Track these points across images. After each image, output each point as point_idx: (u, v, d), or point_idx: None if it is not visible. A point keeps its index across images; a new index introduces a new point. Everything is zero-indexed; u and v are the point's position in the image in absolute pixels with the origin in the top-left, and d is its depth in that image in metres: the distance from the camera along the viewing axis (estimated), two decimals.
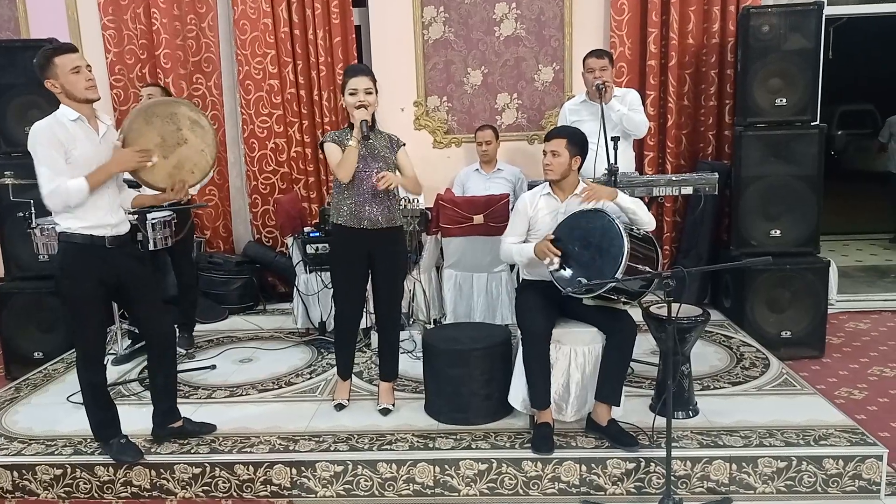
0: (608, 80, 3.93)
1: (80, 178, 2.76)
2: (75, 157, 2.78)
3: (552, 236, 3.03)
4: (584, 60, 4.07)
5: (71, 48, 2.85)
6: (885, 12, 5.25)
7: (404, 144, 3.35)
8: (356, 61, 5.21)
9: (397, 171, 3.28)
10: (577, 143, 3.17)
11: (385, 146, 3.27)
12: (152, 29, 5.16)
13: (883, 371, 4.12)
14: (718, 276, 4.79)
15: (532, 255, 3.11)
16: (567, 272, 2.98)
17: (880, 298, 5.42)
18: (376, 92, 3.20)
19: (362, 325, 4.17)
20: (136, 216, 3.65)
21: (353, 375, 3.67)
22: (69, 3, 5.25)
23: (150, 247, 3.85)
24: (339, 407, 3.43)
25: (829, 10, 4.92)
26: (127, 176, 3.06)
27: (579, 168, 3.22)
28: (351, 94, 3.14)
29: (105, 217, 2.89)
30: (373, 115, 3.24)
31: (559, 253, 2.98)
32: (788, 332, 4.27)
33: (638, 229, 3.10)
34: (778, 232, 4.33)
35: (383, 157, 3.22)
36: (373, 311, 3.80)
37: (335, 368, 3.58)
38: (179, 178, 2.96)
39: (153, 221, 3.86)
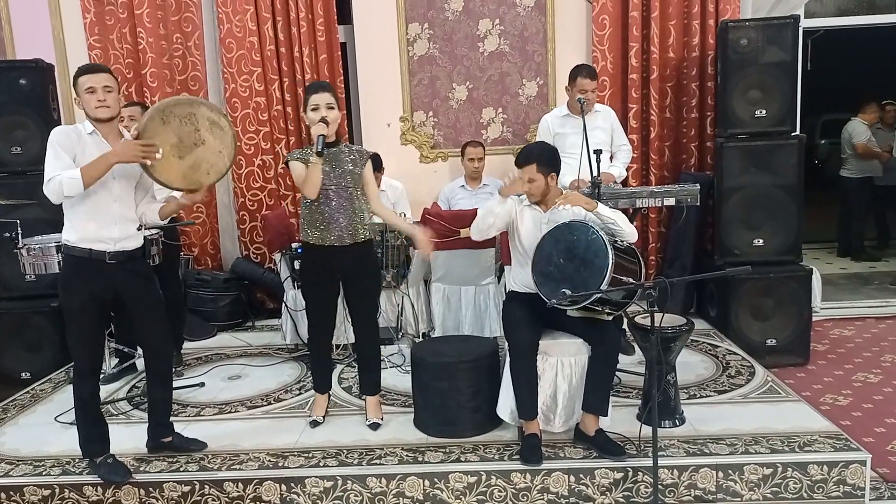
0: (593, 97, 4.09)
1: (75, 169, 2.77)
2: (80, 164, 2.81)
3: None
4: (573, 77, 4.08)
5: (92, 69, 2.90)
6: (859, 24, 5.38)
7: (371, 156, 3.35)
8: (342, 78, 5.26)
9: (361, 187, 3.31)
10: (547, 161, 3.18)
11: (350, 160, 3.26)
12: (138, 48, 5.18)
13: (867, 377, 4.17)
14: (704, 285, 4.84)
15: (500, 197, 3.17)
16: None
17: (864, 305, 5.49)
18: (338, 108, 3.22)
19: (352, 339, 4.20)
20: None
21: (339, 391, 3.74)
22: (55, 23, 5.27)
23: None
24: (314, 424, 3.42)
25: (806, 23, 5.03)
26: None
27: (557, 180, 3.26)
28: (313, 109, 3.15)
29: (105, 230, 2.90)
30: (338, 131, 3.26)
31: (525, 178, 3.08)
32: (773, 340, 4.32)
33: (621, 241, 3.14)
34: (761, 241, 4.39)
35: (349, 172, 3.23)
36: None
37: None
38: (195, 178, 2.94)
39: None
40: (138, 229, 3.05)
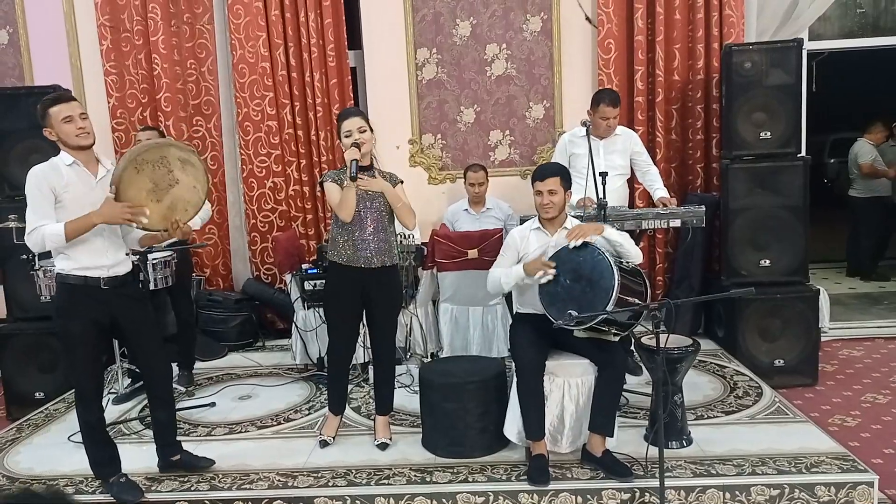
0: (614, 124, 4.13)
1: (59, 224, 2.81)
2: (67, 200, 2.87)
3: (552, 264, 3.09)
4: (596, 102, 4.10)
5: (64, 98, 2.92)
6: (862, 46, 5.44)
7: (402, 182, 3.42)
8: (352, 102, 5.35)
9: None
10: (567, 177, 3.28)
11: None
12: (153, 74, 5.30)
13: (876, 398, 4.15)
14: (711, 306, 4.85)
15: (521, 273, 3.17)
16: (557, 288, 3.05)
17: (873, 325, 5.46)
18: (371, 130, 3.29)
19: (361, 360, 4.25)
20: (137, 256, 3.72)
21: (348, 411, 3.77)
22: (72, 50, 5.41)
23: (151, 286, 3.93)
24: (324, 444, 3.45)
25: (810, 45, 5.08)
26: None
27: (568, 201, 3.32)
28: (346, 136, 3.24)
29: (99, 259, 2.95)
30: (372, 154, 3.33)
31: (553, 265, 3.05)
32: (781, 361, 4.31)
33: (626, 262, 3.17)
34: (767, 261, 4.41)
35: (381, 196, 3.31)
36: (369, 346, 3.85)
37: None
38: (174, 218, 2.99)
39: (154, 262, 3.94)
40: (127, 254, 3.10)
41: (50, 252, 3.86)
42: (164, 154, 2.96)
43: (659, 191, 4.19)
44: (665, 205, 4.00)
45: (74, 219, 2.83)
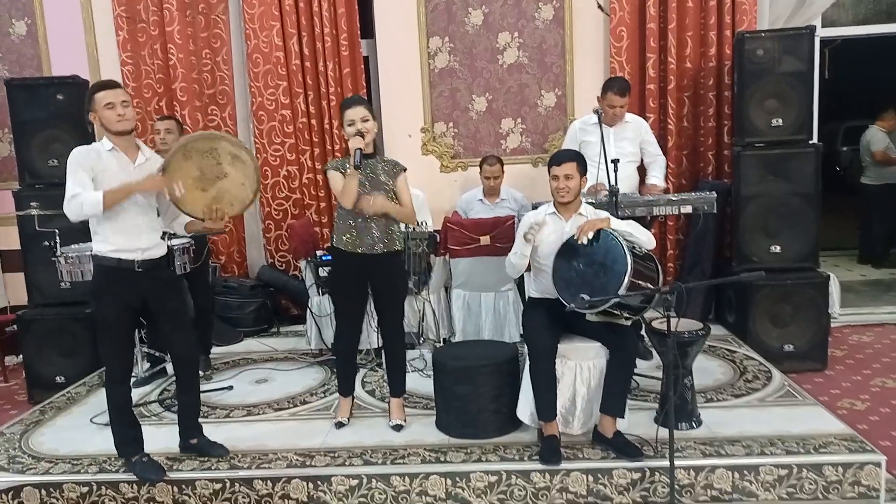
0: (622, 113, 4.15)
1: (98, 191, 2.90)
2: (102, 184, 2.95)
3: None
4: (604, 90, 4.14)
5: (108, 85, 3.03)
6: (876, 33, 5.42)
7: (405, 170, 3.45)
8: (365, 91, 5.40)
9: (395, 198, 3.38)
10: (583, 163, 3.32)
11: (384, 171, 3.38)
12: (169, 64, 5.36)
13: (885, 382, 4.19)
14: (722, 292, 4.89)
15: (524, 242, 3.23)
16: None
17: (884, 312, 5.48)
18: (374, 118, 3.33)
19: (375, 344, 4.32)
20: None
21: (363, 394, 3.86)
22: (89, 41, 5.48)
23: None
24: (339, 425, 3.53)
25: (823, 32, 5.08)
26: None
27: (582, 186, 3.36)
28: (349, 125, 3.28)
29: (133, 241, 3.02)
30: (374, 142, 3.38)
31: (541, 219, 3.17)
32: (791, 346, 4.35)
33: (639, 247, 3.21)
34: (778, 248, 4.43)
35: (383, 184, 3.35)
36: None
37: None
38: (220, 209, 3.07)
39: (173, 248, 4.01)
40: (162, 237, 3.18)
41: (71, 238, 4.01)
42: (214, 145, 3.05)
43: (654, 178, 4.21)
44: (650, 193, 4.02)
45: (113, 188, 2.91)
